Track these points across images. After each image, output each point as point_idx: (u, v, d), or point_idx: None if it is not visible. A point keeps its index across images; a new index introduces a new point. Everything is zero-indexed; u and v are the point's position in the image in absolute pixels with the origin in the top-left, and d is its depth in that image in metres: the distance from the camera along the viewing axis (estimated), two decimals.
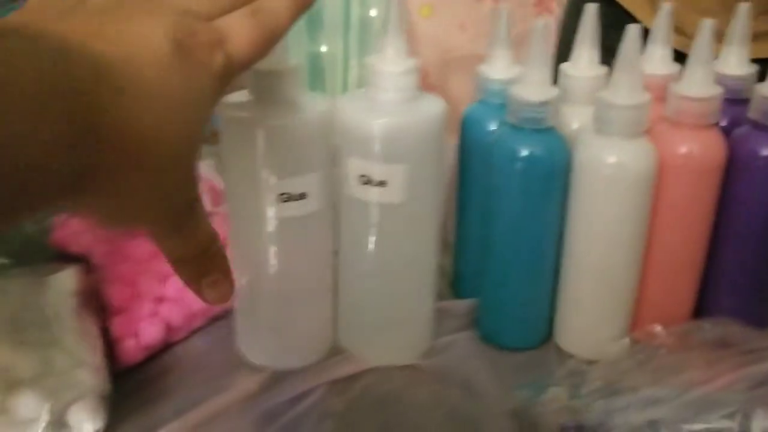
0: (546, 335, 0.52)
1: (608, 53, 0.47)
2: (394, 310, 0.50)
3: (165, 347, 0.51)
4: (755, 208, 0.48)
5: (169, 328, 0.51)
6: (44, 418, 0.39)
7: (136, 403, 0.45)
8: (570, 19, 0.84)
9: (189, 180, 0.29)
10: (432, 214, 0.48)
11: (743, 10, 0.49)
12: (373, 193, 0.45)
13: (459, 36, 0.90)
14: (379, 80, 0.44)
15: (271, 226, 0.45)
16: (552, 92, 0.46)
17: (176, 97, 0.26)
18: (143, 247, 0.51)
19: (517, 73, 0.50)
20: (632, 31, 0.44)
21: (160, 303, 0.51)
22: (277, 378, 0.48)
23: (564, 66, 0.51)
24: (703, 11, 0.52)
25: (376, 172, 0.45)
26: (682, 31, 0.59)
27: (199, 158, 0.29)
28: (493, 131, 0.50)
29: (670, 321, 0.49)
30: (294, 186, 0.44)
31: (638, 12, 0.77)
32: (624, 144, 0.46)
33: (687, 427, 0.34)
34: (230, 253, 0.48)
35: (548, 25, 0.46)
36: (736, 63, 0.50)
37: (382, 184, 0.45)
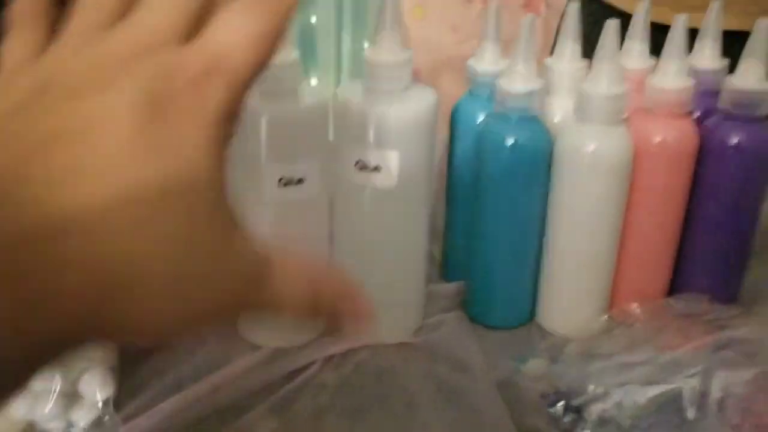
0: (529, 315, 0.55)
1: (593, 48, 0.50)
2: (386, 290, 0.52)
3: None
4: (725, 193, 0.51)
5: None
6: (57, 388, 0.42)
7: (142, 375, 0.48)
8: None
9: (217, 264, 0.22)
10: (423, 198, 0.51)
11: (716, 6, 0.52)
12: (368, 178, 0.48)
13: (450, 37, 0.92)
14: (374, 71, 0.47)
15: (270, 209, 0.48)
16: (536, 83, 0.49)
17: (162, 221, 0.20)
18: None
19: (503, 67, 0.52)
20: (611, 26, 0.47)
21: None
22: (275, 355, 0.51)
23: (548, 60, 0.54)
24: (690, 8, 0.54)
25: (371, 157, 0.47)
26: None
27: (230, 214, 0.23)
28: (481, 121, 0.53)
29: (646, 300, 0.52)
30: (293, 171, 0.47)
31: (623, 2, 0.80)
32: (603, 132, 0.49)
33: (655, 387, 0.37)
34: None
35: (534, 21, 0.49)
36: (709, 57, 0.53)
37: (376, 169, 0.48)
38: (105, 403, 0.43)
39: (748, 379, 0.36)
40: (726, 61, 0.53)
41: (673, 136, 0.50)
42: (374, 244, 0.51)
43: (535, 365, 0.43)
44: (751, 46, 0.49)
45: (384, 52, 0.47)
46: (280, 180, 0.47)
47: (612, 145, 0.49)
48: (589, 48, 0.52)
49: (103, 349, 0.45)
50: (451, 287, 0.57)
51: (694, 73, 0.51)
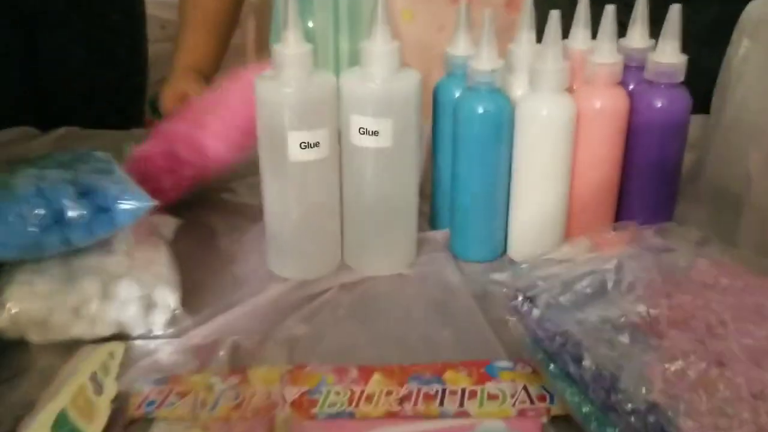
0: (502, 250, 0.69)
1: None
2: (384, 232, 0.66)
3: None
4: (652, 146, 0.65)
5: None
6: (137, 297, 0.55)
7: (199, 297, 0.61)
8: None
9: None
10: (413, 156, 0.64)
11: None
12: (369, 141, 0.61)
13: (438, 36, 1.01)
14: (370, 58, 0.61)
15: (294, 167, 0.62)
16: (498, 63, 0.62)
17: None
18: None
19: (473, 52, 0.66)
20: (554, 16, 0.61)
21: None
22: (301, 284, 0.64)
23: (510, 46, 0.68)
24: None
25: (371, 124, 0.61)
26: None
27: None
28: (458, 96, 0.66)
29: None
30: (310, 137, 0.61)
31: None
32: (551, 99, 0.62)
33: (581, 270, 0.51)
34: (263, 190, 0.65)
35: (492, 16, 0.62)
36: (638, 38, 0.67)
37: (375, 133, 0.61)
38: (174, 308, 0.56)
39: (648, 266, 0.49)
40: (652, 42, 0.67)
41: (608, 101, 0.64)
42: (374, 195, 0.64)
43: (501, 276, 0.56)
44: (667, 27, 0.62)
45: (378, 43, 0.60)
46: (301, 144, 0.61)
47: (559, 109, 0.63)
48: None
49: (168, 270, 0.58)
50: (439, 234, 0.70)
51: (626, 51, 0.65)
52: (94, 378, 0.50)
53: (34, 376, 0.52)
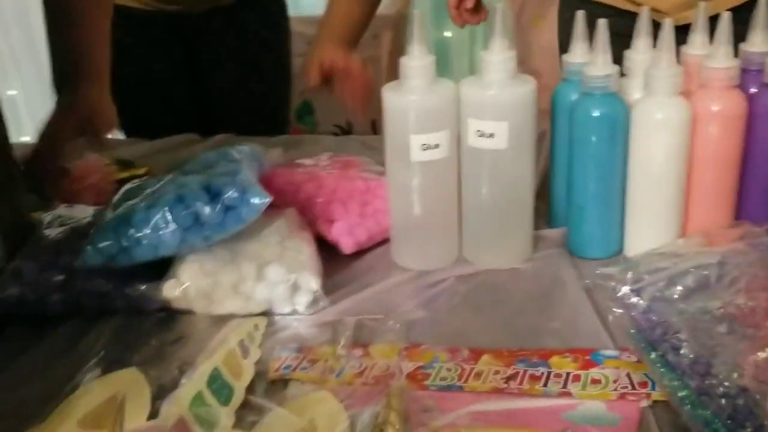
0: (618, 248, 0.71)
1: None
2: (501, 229, 0.70)
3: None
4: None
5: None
6: (285, 280, 0.63)
7: (334, 281, 0.69)
8: (565, 21, 1.00)
9: None
10: (528, 157, 0.68)
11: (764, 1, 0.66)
12: (486, 143, 0.66)
13: None
14: (487, 66, 0.66)
15: (416, 167, 0.68)
16: (613, 68, 0.65)
17: None
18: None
19: (587, 59, 0.69)
20: (666, 25, 0.63)
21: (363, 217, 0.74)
22: (420, 274, 0.70)
23: (627, 52, 0.70)
24: None
25: (488, 127, 0.66)
26: None
27: None
28: (574, 100, 0.70)
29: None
30: (431, 139, 0.67)
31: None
32: (666, 102, 0.64)
33: (687, 264, 0.53)
34: (388, 189, 0.71)
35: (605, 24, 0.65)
36: (758, 43, 0.67)
37: (491, 136, 0.66)
38: (315, 291, 0.64)
39: (753, 262, 0.51)
40: None
41: (725, 104, 0.65)
42: (492, 194, 0.69)
43: (609, 270, 0.60)
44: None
45: (495, 53, 0.65)
46: (423, 146, 0.67)
47: (673, 112, 0.65)
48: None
49: (310, 259, 0.66)
50: (555, 232, 0.74)
51: (745, 55, 0.66)
52: (242, 344, 0.59)
53: (195, 340, 0.61)
